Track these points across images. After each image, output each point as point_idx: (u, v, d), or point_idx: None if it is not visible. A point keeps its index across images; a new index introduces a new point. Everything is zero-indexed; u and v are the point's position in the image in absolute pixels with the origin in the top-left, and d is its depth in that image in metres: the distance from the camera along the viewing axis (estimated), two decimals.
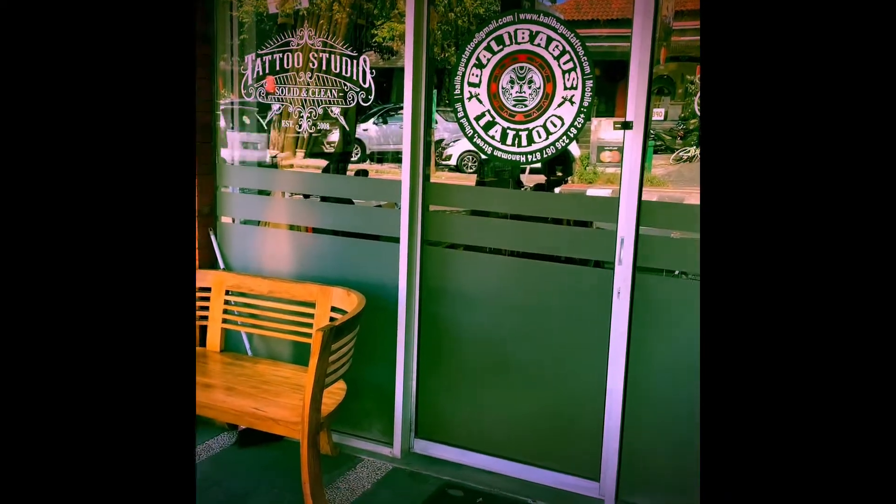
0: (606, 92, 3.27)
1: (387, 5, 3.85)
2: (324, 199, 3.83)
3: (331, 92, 3.62)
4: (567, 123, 3.08)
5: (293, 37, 3.66)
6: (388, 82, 3.88)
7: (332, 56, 3.58)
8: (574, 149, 3.68)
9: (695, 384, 2.95)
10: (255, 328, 3.77)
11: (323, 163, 4.17)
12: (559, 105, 3.09)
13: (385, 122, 5.17)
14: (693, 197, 3.20)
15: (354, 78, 3.54)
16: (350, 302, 3.35)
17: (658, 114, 3.33)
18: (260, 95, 3.79)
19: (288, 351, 3.90)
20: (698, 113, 3.16)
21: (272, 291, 3.66)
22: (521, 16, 3.10)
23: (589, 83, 3.03)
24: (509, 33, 3.13)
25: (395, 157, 3.62)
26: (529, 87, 3.13)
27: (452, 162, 5.49)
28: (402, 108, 3.37)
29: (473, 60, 3.23)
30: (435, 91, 3.51)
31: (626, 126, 2.96)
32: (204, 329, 3.84)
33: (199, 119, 3.82)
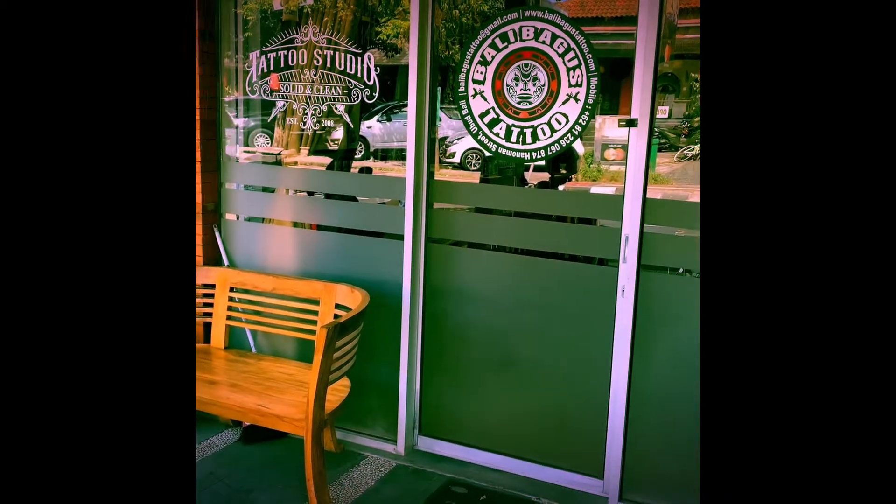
0: (611, 89, 3.27)
1: (391, 2, 3.85)
2: (328, 196, 3.83)
3: (335, 89, 3.62)
4: (572, 121, 3.08)
5: (298, 34, 3.66)
6: (392, 79, 3.88)
7: (337, 53, 3.58)
8: (578, 146, 3.68)
9: (698, 382, 2.94)
10: (260, 325, 3.78)
11: (327, 160, 4.17)
12: (564, 102, 3.08)
13: (389, 120, 5.16)
14: (697, 195, 3.19)
15: (359, 75, 3.54)
16: (354, 299, 3.35)
17: (662, 111, 3.32)
18: (264, 93, 3.79)
19: (292, 348, 3.91)
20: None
21: (276, 288, 3.66)
22: (526, 13, 3.10)
23: (594, 80, 3.03)
24: (514, 30, 3.13)
25: (399, 155, 3.62)
26: (534, 85, 3.13)
27: (456, 159, 5.48)
28: (406, 105, 3.37)
29: (478, 58, 3.22)
30: (439, 88, 3.51)
31: (631, 123, 2.96)
32: (208, 326, 3.84)
33: (203, 116, 3.82)
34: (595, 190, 4.06)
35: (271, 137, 4.12)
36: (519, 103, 3.17)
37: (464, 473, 3.44)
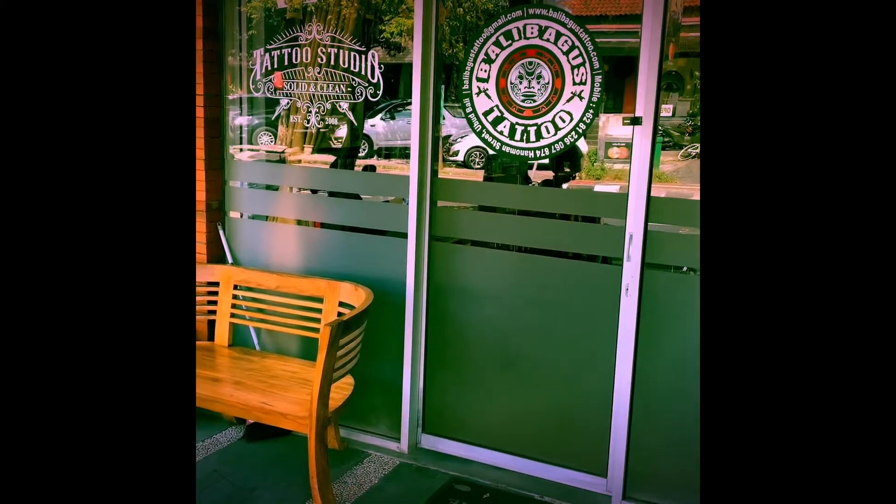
0: (615, 88, 3.26)
1: (395, 0, 3.85)
2: (332, 194, 3.83)
3: (339, 87, 3.62)
4: (576, 119, 3.08)
5: (301, 31, 3.66)
6: (395, 78, 3.87)
7: (341, 51, 3.58)
8: (582, 145, 3.67)
9: None
10: (263, 323, 3.78)
11: (331, 158, 4.17)
12: (568, 100, 3.08)
13: (392, 118, 5.17)
14: None
15: (363, 73, 3.54)
16: (358, 297, 3.35)
17: (666, 110, 3.32)
18: (268, 90, 3.79)
19: (296, 346, 3.91)
20: None
21: (280, 286, 3.66)
22: (530, 11, 3.09)
23: (598, 78, 3.02)
24: (518, 28, 3.13)
25: (403, 153, 3.62)
26: (538, 83, 3.13)
27: (459, 158, 5.48)
28: (409, 103, 3.37)
29: (482, 56, 3.22)
30: (443, 87, 3.51)
31: (636, 122, 2.95)
32: (212, 323, 3.85)
33: (207, 114, 3.82)
34: (599, 188, 4.06)
35: (275, 135, 4.13)
36: (523, 101, 3.17)
37: (467, 472, 3.44)
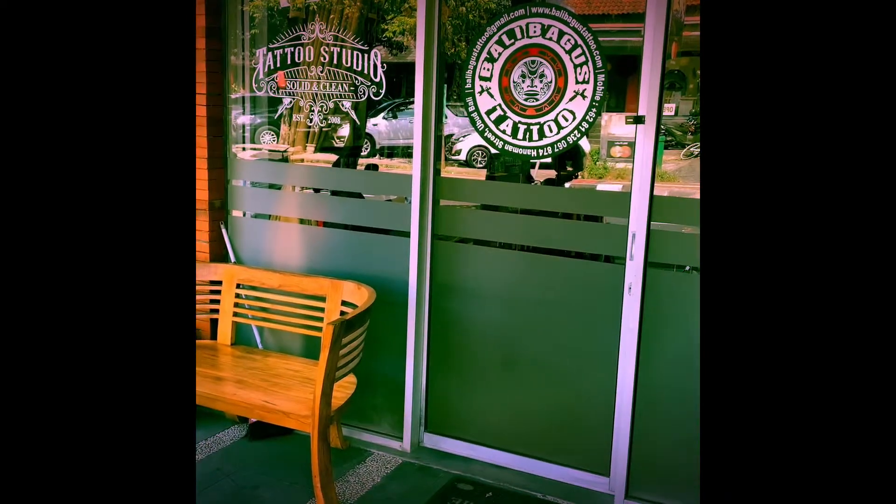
0: (618, 86, 3.26)
1: None
2: (334, 193, 3.83)
3: (342, 86, 3.63)
4: (579, 118, 3.08)
5: (304, 30, 3.66)
6: (398, 77, 3.88)
7: (343, 50, 3.58)
8: (585, 144, 3.67)
9: None
10: (266, 322, 3.78)
11: (333, 157, 4.18)
12: (571, 99, 3.08)
13: (395, 117, 5.17)
14: None
15: (365, 72, 3.54)
16: (360, 296, 3.35)
17: (669, 109, 3.31)
18: (271, 89, 3.79)
19: (298, 344, 3.91)
20: None
21: (283, 285, 3.67)
22: (533, 9, 3.09)
23: (601, 77, 3.02)
24: (521, 27, 3.12)
25: (405, 152, 3.62)
26: (541, 82, 3.12)
27: (462, 157, 5.48)
28: (412, 102, 3.37)
29: (485, 54, 3.22)
30: (445, 86, 3.51)
31: (639, 120, 2.95)
32: (215, 322, 3.85)
33: (209, 113, 3.82)
34: (601, 187, 4.06)
35: (277, 134, 4.13)
36: (526, 100, 3.16)
37: (470, 470, 3.44)
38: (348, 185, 3.81)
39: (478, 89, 3.25)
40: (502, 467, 3.46)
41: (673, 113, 3.74)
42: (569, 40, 3.04)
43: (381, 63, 3.52)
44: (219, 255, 3.98)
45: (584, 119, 3.07)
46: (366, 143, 4.54)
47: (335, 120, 3.74)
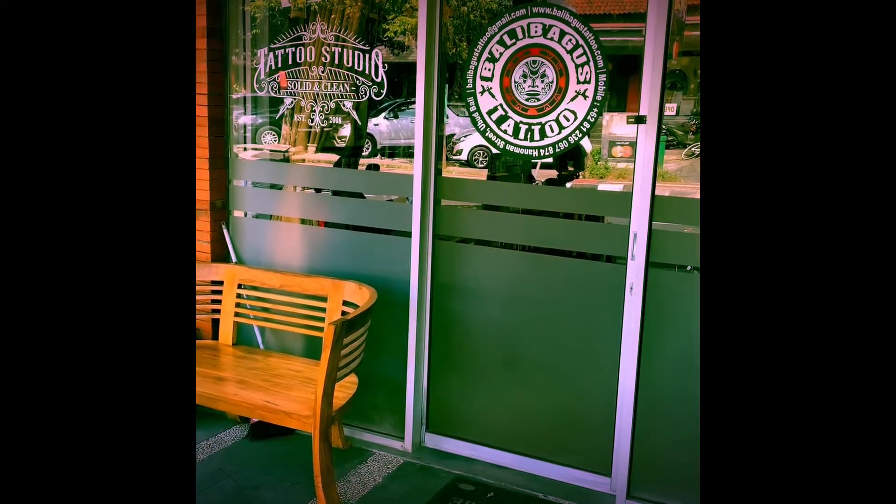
0: (619, 86, 3.26)
1: None
2: (335, 193, 3.83)
3: (343, 86, 3.63)
4: (580, 118, 3.07)
5: (305, 31, 3.66)
6: (399, 77, 3.88)
7: (345, 50, 3.58)
8: (586, 143, 3.67)
9: None
10: (268, 322, 3.79)
11: (334, 157, 4.18)
12: (572, 99, 3.08)
13: (396, 117, 5.17)
14: None
15: (366, 72, 3.54)
16: (362, 296, 3.35)
17: (670, 109, 3.31)
18: (272, 90, 3.79)
19: (300, 345, 3.91)
20: None
21: (284, 285, 3.67)
22: (534, 9, 3.09)
23: (602, 77, 3.02)
24: (522, 27, 3.12)
25: (407, 152, 3.62)
26: (542, 82, 3.12)
27: (463, 157, 5.48)
28: (413, 102, 3.37)
29: (486, 54, 3.22)
30: (447, 86, 3.51)
31: (640, 120, 2.95)
32: (216, 322, 3.85)
33: (211, 113, 3.83)
34: (603, 187, 4.06)
35: (279, 135, 4.13)
36: (527, 100, 3.16)
37: (471, 470, 3.44)
38: (349, 185, 3.82)
39: (479, 89, 3.25)
40: (504, 467, 3.46)
41: (674, 113, 3.73)
42: (570, 40, 3.04)
43: (383, 63, 3.52)
44: (220, 255, 3.98)
45: (585, 119, 3.07)
46: (367, 143, 4.55)
47: (336, 120, 3.74)
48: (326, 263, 3.77)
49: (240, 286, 3.78)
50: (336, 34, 3.60)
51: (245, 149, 4.10)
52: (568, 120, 3.09)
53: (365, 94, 3.57)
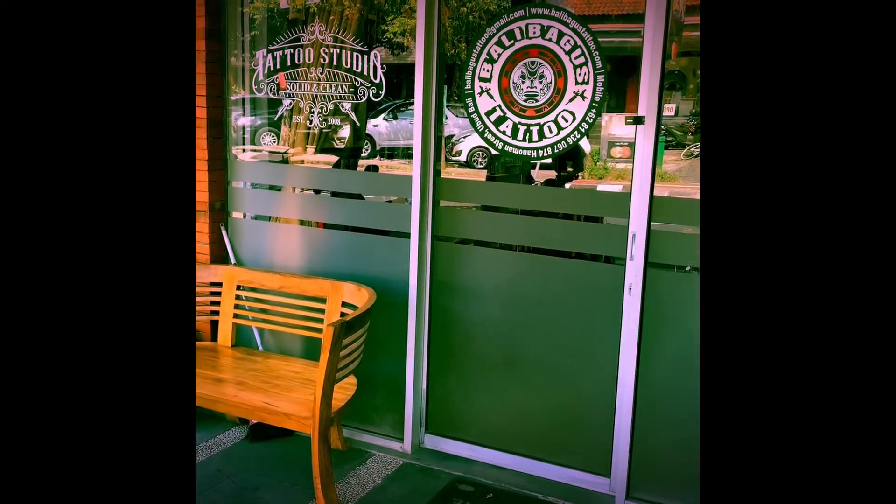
0: (618, 87, 3.26)
1: (398, 1, 3.85)
2: (334, 194, 3.83)
3: (341, 87, 3.63)
4: (578, 118, 3.08)
5: (304, 32, 3.66)
6: (398, 78, 3.88)
7: (343, 51, 3.58)
8: (585, 144, 3.67)
9: None
10: (266, 323, 3.78)
11: (333, 158, 4.18)
12: (570, 100, 3.08)
13: (395, 118, 5.17)
14: None
15: (365, 73, 3.54)
16: (361, 297, 3.35)
17: (669, 109, 3.31)
18: (271, 91, 3.79)
19: (299, 346, 3.91)
20: None
21: (283, 287, 3.67)
22: (533, 10, 3.09)
23: (600, 78, 3.02)
24: (520, 28, 3.12)
25: (406, 153, 3.62)
26: (541, 82, 3.12)
27: (462, 157, 5.48)
28: (412, 103, 3.37)
29: (484, 55, 3.22)
30: (445, 86, 3.51)
31: (638, 121, 2.95)
32: (215, 324, 3.85)
33: (209, 115, 3.83)
34: (602, 188, 4.06)
35: (278, 136, 4.13)
36: (525, 101, 3.16)
37: (470, 471, 3.44)
38: (348, 187, 3.82)
39: (477, 90, 3.25)
40: (503, 468, 3.45)
41: (673, 113, 3.73)
42: (568, 41, 3.04)
43: (381, 64, 3.52)
44: (219, 256, 3.98)
45: (583, 120, 3.07)
46: (366, 144, 4.54)
47: (335, 121, 3.74)
48: (325, 265, 3.77)
49: (239, 287, 3.78)
50: (334, 35, 3.60)
51: (244, 150, 4.10)
52: (566, 121, 3.10)
53: (363, 95, 3.58)
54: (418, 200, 3.41)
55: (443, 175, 3.48)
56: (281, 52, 3.72)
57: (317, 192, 3.95)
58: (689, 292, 3.01)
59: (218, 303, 3.79)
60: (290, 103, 3.79)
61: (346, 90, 3.62)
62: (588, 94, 3.04)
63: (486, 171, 4.89)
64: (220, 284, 3.79)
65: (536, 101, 3.14)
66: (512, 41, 3.15)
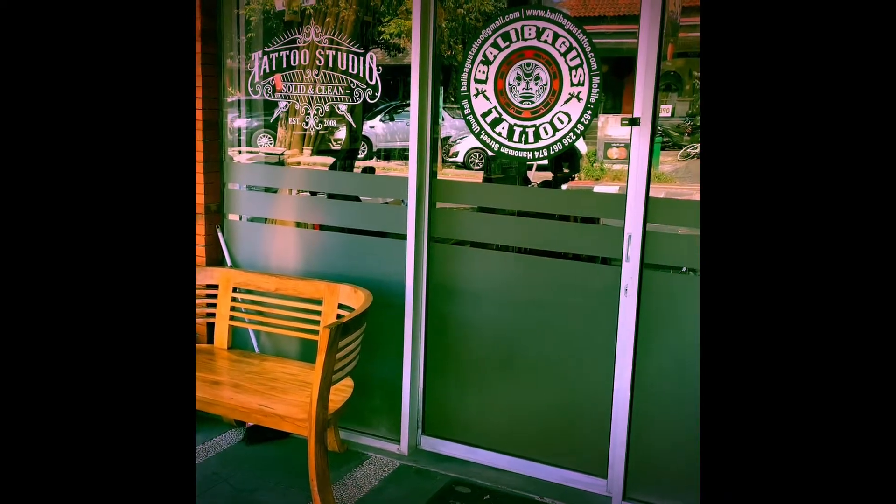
0: (614, 88, 3.26)
1: (394, 2, 3.85)
2: (331, 196, 3.83)
3: (337, 89, 3.62)
4: (574, 120, 3.08)
5: (300, 34, 3.66)
6: (394, 79, 3.87)
7: (339, 53, 3.58)
8: (581, 145, 3.66)
9: None
10: (263, 325, 3.78)
11: (330, 160, 4.17)
12: (566, 101, 3.08)
13: (392, 120, 5.16)
14: (699, 193, 3.19)
15: (361, 75, 3.54)
16: (357, 299, 3.35)
17: (665, 110, 3.32)
18: (267, 93, 3.79)
19: (295, 348, 3.91)
20: None
21: (279, 289, 3.66)
22: (528, 12, 3.09)
23: (596, 79, 3.02)
24: (516, 30, 3.12)
25: (402, 155, 3.62)
26: (536, 84, 3.12)
27: (459, 159, 5.48)
28: (408, 105, 3.36)
29: (480, 57, 3.22)
30: (441, 88, 3.51)
31: (634, 122, 2.95)
32: (211, 326, 3.85)
33: (205, 117, 3.82)
34: (598, 189, 4.05)
35: (274, 138, 4.13)
36: (521, 102, 3.16)
37: (467, 473, 3.44)
38: (344, 188, 3.81)
39: (473, 92, 3.25)
40: (500, 470, 3.45)
41: (670, 114, 3.73)
42: (564, 43, 3.04)
43: (377, 66, 3.52)
44: (215, 258, 3.98)
45: (579, 121, 3.07)
46: (363, 145, 4.54)
47: (331, 123, 3.73)
48: (321, 266, 3.77)
49: (235, 290, 3.78)
50: (330, 37, 3.60)
51: (240, 152, 4.10)
52: (562, 122, 3.10)
53: (359, 96, 3.57)
54: (414, 202, 3.40)
55: (439, 176, 3.48)
56: (277, 53, 3.72)
57: (313, 193, 3.94)
58: (684, 293, 3.01)
59: (214, 305, 3.78)
60: (286, 105, 3.78)
61: (342, 92, 3.62)
62: (584, 96, 3.05)
63: (482, 172, 4.89)
64: (216, 287, 3.78)
65: (532, 102, 3.14)
66: (507, 43, 3.15)
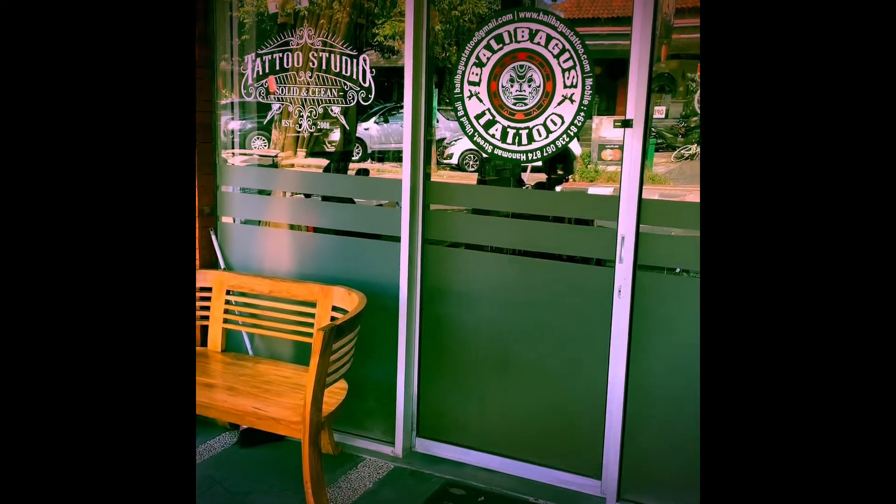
0: (607, 90, 3.27)
1: (387, 4, 3.85)
2: (325, 198, 3.83)
3: (331, 91, 3.62)
4: (567, 122, 3.08)
5: (293, 36, 3.66)
6: (388, 81, 3.88)
7: (332, 55, 3.58)
8: (575, 147, 3.67)
9: (696, 382, 2.94)
10: (256, 328, 3.77)
11: (324, 162, 4.17)
12: (559, 103, 3.08)
13: (386, 121, 5.17)
14: (694, 195, 3.19)
15: (354, 77, 3.54)
16: (351, 301, 3.35)
17: (659, 112, 3.32)
18: (260, 95, 3.79)
19: (289, 351, 3.90)
20: (699, 111, 3.16)
21: (273, 291, 3.66)
22: (521, 14, 3.10)
23: (589, 81, 3.03)
24: (509, 32, 3.13)
25: (396, 156, 3.62)
26: (529, 86, 3.13)
27: (454, 161, 5.49)
28: (402, 106, 3.36)
29: (473, 59, 3.22)
30: (435, 90, 3.51)
31: (627, 124, 2.96)
32: (205, 329, 3.84)
33: (199, 119, 3.82)
34: (592, 190, 4.06)
35: (268, 140, 4.13)
36: (515, 104, 3.17)
37: (462, 475, 3.43)
38: (338, 191, 3.81)
39: (467, 94, 3.25)
40: (494, 471, 3.45)
41: (663, 115, 3.74)
42: (557, 45, 3.05)
43: (371, 68, 3.52)
44: (208, 261, 3.97)
45: (572, 123, 3.07)
46: (357, 147, 4.54)
47: (324, 125, 3.73)
48: (315, 269, 3.77)
49: (228, 292, 3.77)
50: (324, 39, 3.60)
51: (234, 154, 4.09)
52: (555, 124, 3.10)
53: (353, 99, 3.57)
54: (408, 204, 3.40)
55: (434, 178, 3.48)
56: (270, 56, 3.72)
57: (307, 196, 3.94)
58: (678, 294, 3.01)
59: (207, 308, 3.78)
60: (280, 107, 3.78)
61: (336, 94, 3.61)
62: (577, 98, 3.05)
63: (476, 174, 4.89)
64: (209, 289, 3.78)
65: (525, 104, 3.15)
66: (501, 45, 3.16)
